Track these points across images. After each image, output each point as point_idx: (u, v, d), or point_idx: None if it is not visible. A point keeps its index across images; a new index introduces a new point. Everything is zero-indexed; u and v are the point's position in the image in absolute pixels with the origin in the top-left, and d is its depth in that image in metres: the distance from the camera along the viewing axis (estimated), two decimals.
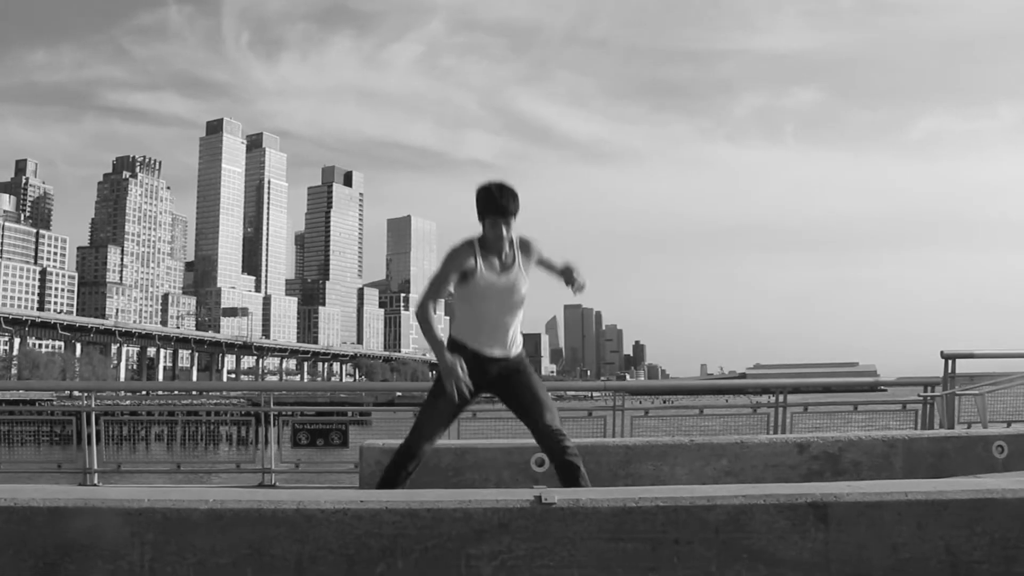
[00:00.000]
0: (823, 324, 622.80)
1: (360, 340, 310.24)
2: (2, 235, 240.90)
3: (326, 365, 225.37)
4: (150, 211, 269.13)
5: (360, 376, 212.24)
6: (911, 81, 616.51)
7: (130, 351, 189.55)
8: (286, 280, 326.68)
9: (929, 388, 10.22)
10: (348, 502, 3.41)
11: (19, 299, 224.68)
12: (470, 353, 4.84)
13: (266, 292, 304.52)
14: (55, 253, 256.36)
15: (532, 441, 4.97)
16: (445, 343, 4.85)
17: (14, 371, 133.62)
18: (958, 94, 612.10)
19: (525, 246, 4.96)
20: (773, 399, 10.24)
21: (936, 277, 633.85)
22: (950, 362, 9.95)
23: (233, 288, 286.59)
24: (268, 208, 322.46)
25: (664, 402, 18.30)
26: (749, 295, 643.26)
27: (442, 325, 5.19)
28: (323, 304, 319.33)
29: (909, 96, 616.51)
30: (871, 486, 3.75)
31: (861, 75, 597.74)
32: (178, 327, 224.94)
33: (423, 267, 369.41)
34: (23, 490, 3.55)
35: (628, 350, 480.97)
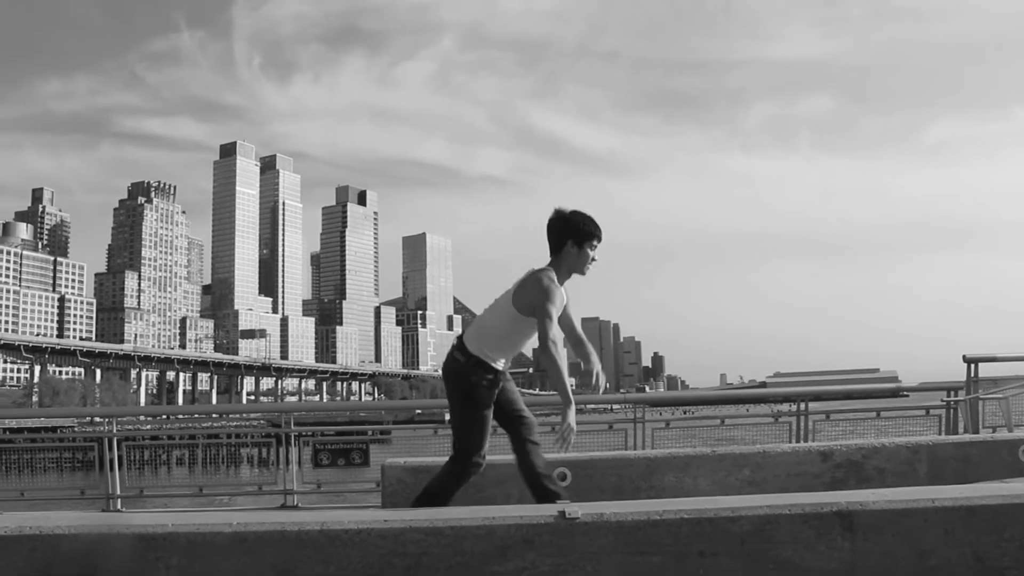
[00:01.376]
0: (842, 331, 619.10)
1: (378, 359, 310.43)
2: (20, 263, 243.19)
3: (345, 384, 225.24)
4: (166, 236, 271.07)
5: (379, 395, 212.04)
6: (923, 86, 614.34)
7: (150, 376, 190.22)
8: (303, 300, 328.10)
9: (952, 393, 10.12)
10: (372, 521, 3.42)
11: (38, 326, 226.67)
12: (494, 370, 4.77)
13: (283, 313, 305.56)
14: (73, 280, 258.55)
15: (555, 455, 4.96)
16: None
17: (35, 398, 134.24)
18: (971, 98, 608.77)
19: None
20: (794, 407, 10.16)
21: (955, 282, 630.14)
22: (973, 366, 9.84)
23: (250, 310, 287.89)
24: (283, 229, 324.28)
25: (685, 413, 18.25)
26: (767, 304, 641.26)
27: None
28: (340, 323, 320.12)
29: (922, 101, 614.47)
30: (897, 493, 3.73)
31: (873, 81, 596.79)
32: (197, 346, 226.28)
33: (439, 284, 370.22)
34: (48, 518, 3.57)
35: (647, 362, 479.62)
